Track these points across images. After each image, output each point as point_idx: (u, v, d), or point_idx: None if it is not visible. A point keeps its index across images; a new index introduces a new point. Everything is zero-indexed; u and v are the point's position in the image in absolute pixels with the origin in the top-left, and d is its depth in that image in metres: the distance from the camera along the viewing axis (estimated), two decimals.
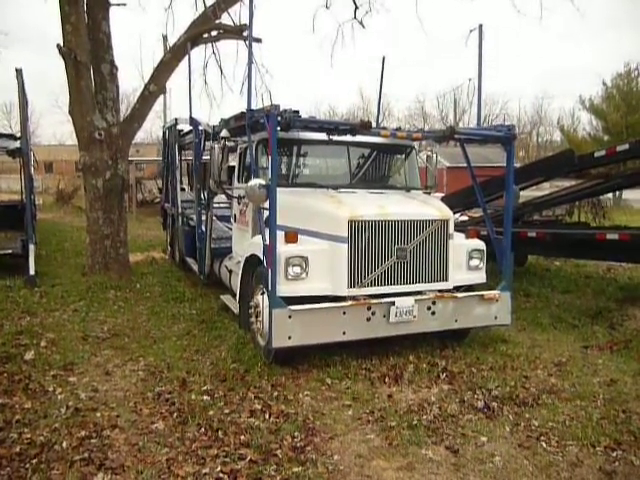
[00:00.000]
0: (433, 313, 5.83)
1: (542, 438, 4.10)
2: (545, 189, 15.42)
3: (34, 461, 3.65)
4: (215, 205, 8.89)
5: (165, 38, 14.48)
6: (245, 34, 9.92)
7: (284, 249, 5.38)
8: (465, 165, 6.94)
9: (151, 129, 51.10)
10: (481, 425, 4.33)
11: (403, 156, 7.38)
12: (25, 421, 4.28)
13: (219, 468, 3.61)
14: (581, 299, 8.58)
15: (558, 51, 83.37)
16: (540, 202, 10.86)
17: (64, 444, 3.90)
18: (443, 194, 12.30)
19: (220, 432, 4.14)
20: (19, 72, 9.45)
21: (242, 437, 4.06)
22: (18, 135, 11.63)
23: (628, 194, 34.21)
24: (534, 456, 3.86)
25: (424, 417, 4.42)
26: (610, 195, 29.71)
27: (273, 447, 3.92)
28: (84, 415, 4.43)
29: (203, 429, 4.20)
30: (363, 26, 12.40)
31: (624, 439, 4.07)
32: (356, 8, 11.99)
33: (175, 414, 4.46)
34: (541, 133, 64.25)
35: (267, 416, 4.45)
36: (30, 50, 73.31)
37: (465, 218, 11.93)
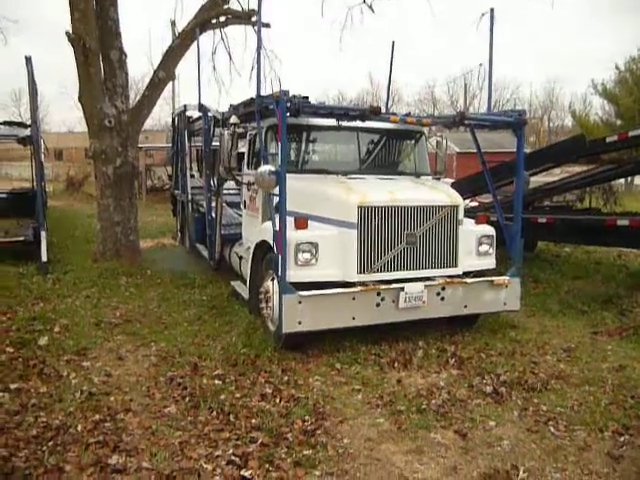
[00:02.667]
0: (442, 299, 5.85)
1: (550, 423, 4.13)
2: (556, 175, 15.32)
3: (50, 444, 3.73)
4: (225, 191, 8.92)
5: (173, 24, 14.44)
6: (254, 19, 9.89)
7: (294, 235, 5.41)
8: (475, 151, 6.92)
9: (160, 115, 51.12)
10: (490, 410, 4.36)
11: (413, 142, 7.36)
12: (41, 405, 4.35)
13: (231, 451, 3.68)
14: (591, 285, 8.55)
15: (570, 35, 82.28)
16: (551, 188, 10.80)
17: (79, 427, 3.97)
18: (453, 180, 12.27)
19: (231, 416, 4.20)
20: (28, 60, 9.46)
21: (253, 421, 4.12)
22: (28, 123, 11.70)
23: (639, 180, 33.95)
24: (542, 440, 3.89)
25: (433, 402, 4.46)
26: (622, 181, 29.53)
27: (284, 430, 3.97)
28: (98, 399, 4.50)
29: (215, 413, 4.26)
30: (373, 10, 12.25)
31: (632, 424, 4.09)
32: None
33: (187, 398, 4.53)
34: (552, 118, 63.67)
35: (278, 400, 4.50)
36: (39, 38, 73.25)
37: (475, 204, 11.89)
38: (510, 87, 60.22)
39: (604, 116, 38.78)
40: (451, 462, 3.61)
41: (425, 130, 7.41)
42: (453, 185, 10.81)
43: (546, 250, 11.82)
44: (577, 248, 11.79)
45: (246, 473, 3.41)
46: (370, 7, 12.21)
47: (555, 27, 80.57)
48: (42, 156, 10.74)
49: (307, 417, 4.20)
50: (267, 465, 3.52)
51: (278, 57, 11.56)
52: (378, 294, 5.52)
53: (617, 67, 36.88)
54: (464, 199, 9.94)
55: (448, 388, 4.75)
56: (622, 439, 3.88)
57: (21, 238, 9.82)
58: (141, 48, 13.01)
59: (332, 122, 6.19)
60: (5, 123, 12.91)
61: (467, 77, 51.47)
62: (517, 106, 55.70)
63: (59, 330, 6.24)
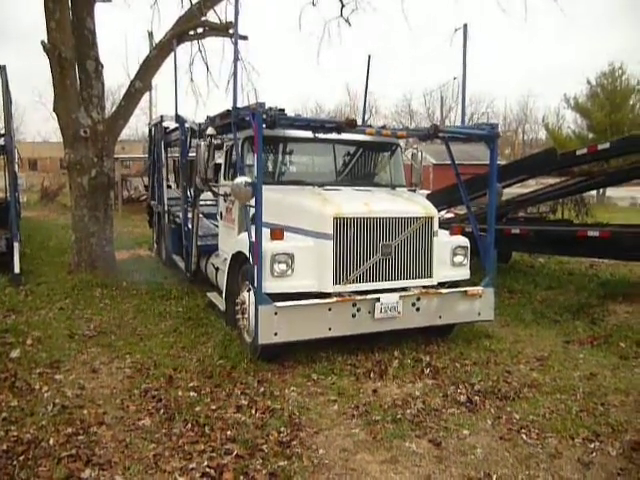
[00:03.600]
0: (418, 309, 5.91)
1: (523, 431, 4.19)
2: (531, 186, 15.59)
3: (21, 458, 3.67)
4: (201, 203, 8.90)
5: (151, 34, 14.43)
6: (231, 32, 9.93)
7: (270, 246, 5.43)
8: (461, 162, 7.02)
9: (137, 125, 50.82)
10: (464, 418, 4.41)
11: (388, 154, 7.44)
12: (12, 419, 4.28)
13: (206, 463, 3.66)
14: (563, 295, 8.69)
15: (544, 50, 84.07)
16: (524, 199, 11.01)
17: (51, 441, 3.92)
18: (429, 191, 12.42)
19: (207, 428, 4.18)
20: (3, 69, 9.37)
21: (228, 432, 4.11)
22: (2, 132, 11.53)
23: (611, 192, 34.71)
24: (514, 448, 3.95)
25: (408, 411, 4.50)
26: (594, 193, 30.17)
27: (259, 442, 3.97)
28: (71, 412, 4.44)
29: (190, 425, 4.23)
30: (349, 24, 12.43)
31: (602, 431, 4.18)
32: (342, 6, 12.01)
33: (162, 410, 4.49)
34: (527, 131, 64.93)
35: (253, 411, 4.49)
36: (14, 47, 72.40)
37: (451, 215, 12.05)
38: (485, 100, 61.26)
39: (577, 129, 39.71)
40: (425, 471, 3.64)
41: (401, 142, 7.51)
42: (429, 197, 10.96)
43: (520, 261, 12.00)
44: (550, 259, 11.98)
45: None
46: (347, 21, 12.41)
47: (530, 42, 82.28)
48: (16, 166, 10.57)
49: (283, 428, 4.19)
50: (242, 477, 3.51)
51: (255, 69, 11.67)
52: (354, 305, 5.55)
53: (589, 82, 37.97)
54: (440, 210, 10.07)
55: (423, 398, 4.79)
56: (592, 446, 3.96)
57: None
58: (117, 58, 12.93)
59: (308, 134, 6.24)
60: None
61: (443, 90, 52.28)
62: (491, 119, 56.75)
63: (31, 342, 6.15)
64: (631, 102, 36.99)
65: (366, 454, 3.86)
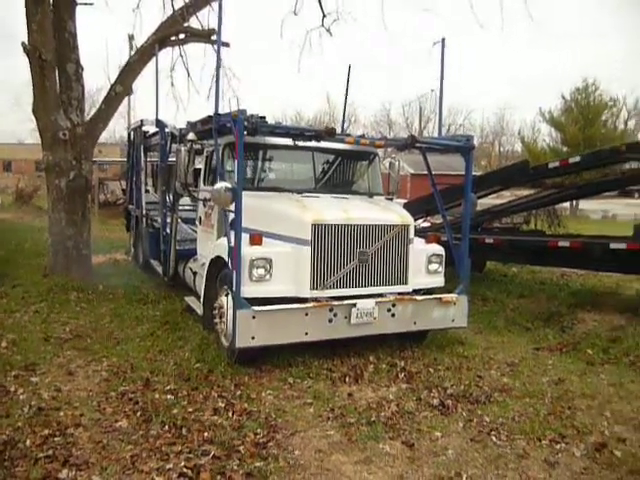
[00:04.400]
0: (393, 315, 6.02)
1: (493, 433, 4.33)
2: (505, 197, 15.91)
3: None
4: (179, 207, 8.92)
5: (131, 37, 14.43)
6: (213, 38, 10.00)
7: (249, 251, 5.50)
8: (437, 172, 7.18)
9: (115, 129, 50.41)
10: (436, 421, 4.53)
11: (366, 162, 7.58)
12: None
13: (183, 464, 3.71)
14: (535, 304, 8.90)
15: (523, 63, 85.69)
16: (498, 210, 11.26)
17: (27, 442, 3.93)
18: (406, 200, 12.60)
19: (184, 429, 4.22)
20: None
21: (205, 434, 4.16)
22: None
23: (584, 204, 35.49)
24: (484, 449, 4.08)
25: (382, 414, 4.60)
26: (567, 205, 30.83)
27: (236, 443, 4.03)
28: (47, 414, 4.44)
29: (167, 427, 4.27)
30: (330, 34, 12.57)
31: (568, 433, 4.33)
32: (324, 16, 12.16)
33: (139, 413, 4.52)
34: (503, 143, 66.07)
35: (230, 414, 4.55)
36: None
37: (427, 224, 12.24)
38: (463, 112, 62.27)
39: (551, 143, 40.52)
40: (398, 471, 3.74)
41: (379, 152, 7.65)
42: (406, 205, 11.12)
43: (494, 270, 12.24)
44: (523, 268, 12.25)
45: None
46: (328, 30, 12.55)
47: (509, 55, 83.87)
48: None
49: (259, 430, 4.26)
50: (219, 477, 3.58)
51: (236, 75, 11.72)
52: (330, 310, 5.64)
53: (563, 97, 38.83)
54: (416, 219, 10.25)
55: (397, 401, 4.90)
56: (558, 447, 4.11)
57: None
58: (97, 60, 12.86)
59: (288, 141, 6.33)
60: None
61: (422, 101, 52.96)
62: (469, 131, 57.69)
63: (6, 345, 6.12)
64: (603, 117, 37.95)
65: (341, 455, 3.95)
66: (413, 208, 10.08)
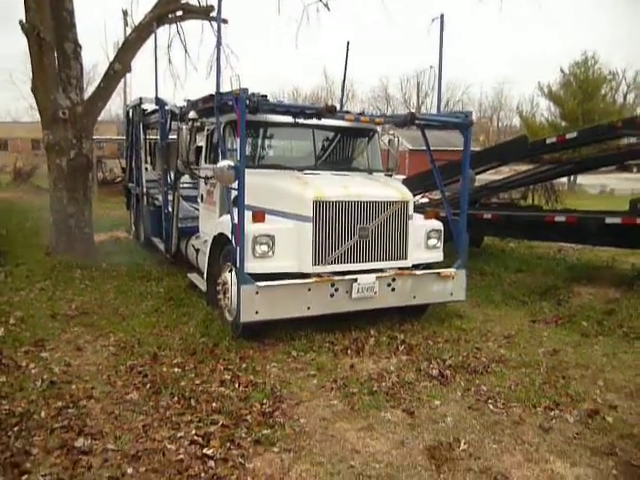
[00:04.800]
0: (393, 289, 6.15)
1: (490, 401, 4.49)
2: (504, 173, 15.97)
3: (15, 429, 3.82)
4: (180, 185, 8.99)
5: (125, 13, 14.36)
6: (213, 15, 9.96)
7: (252, 228, 5.60)
8: (436, 148, 7.24)
9: (111, 107, 49.98)
10: (435, 390, 4.69)
11: (366, 139, 7.64)
12: (1, 394, 4.40)
13: (193, 432, 3.86)
14: (531, 278, 9.06)
15: (523, 37, 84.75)
16: (496, 186, 11.34)
17: (42, 414, 4.07)
18: (405, 176, 12.66)
19: (192, 400, 4.38)
20: None
21: (213, 404, 4.31)
22: None
23: (582, 179, 35.52)
24: (482, 416, 4.25)
25: (383, 384, 4.76)
26: (565, 180, 30.87)
27: (243, 413, 4.19)
28: (59, 387, 4.59)
29: (176, 398, 4.42)
30: (328, 8, 12.50)
31: (562, 400, 4.50)
32: None
33: (148, 385, 4.67)
34: (501, 118, 65.80)
35: (237, 385, 4.70)
36: None
37: (426, 200, 12.33)
38: (461, 87, 61.85)
39: (550, 117, 40.35)
40: (399, 437, 3.91)
41: (378, 128, 7.70)
42: (404, 181, 11.18)
43: (492, 245, 12.36)
44: (521, 243, 12.38)
45: (208, 451, 3.61)
46: (326, 5, 12.47)
47: (510, 28, 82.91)
48: None
49: (265, 400, 4.42)
50: (228, 444, 3.73)
51: (234, 52, 11.71)
52: (332, 285, 5.77)
53: (562, 70, 38.56)
54: (415, 195, 10.33)
55: (397, 372, 5.06)
56: (552, 414, 4.28)
57: None
58: (93, 36, 12.80)
59: (288, 119, 6.38)
60: None
61: (420, 76, 52.53)
62: (467, 106, 57.47)
63: (14, 322, 6.23)
64: (602, 92, 37.78)
65: (344, 423, 4.11)
66: (412, 184, 10.15)
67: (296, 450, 3.70)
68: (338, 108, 6.47)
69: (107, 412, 4.18)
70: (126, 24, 15.15)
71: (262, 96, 5.49)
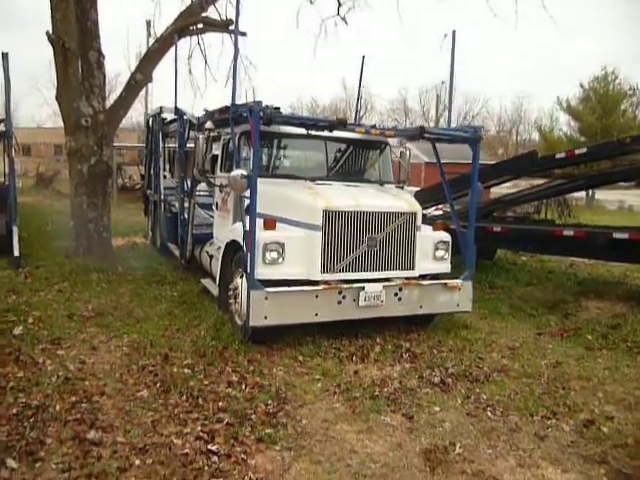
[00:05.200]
0: (400, 299, 6.28)
1: (488, 408, 4.61)
2: (522, 187, 16.01)
3: (31, 420, 4.03)
4: (197, 193, 9.22)
5: (149, 24, 14.78)
6: (231, 28, 10.23)
7: (262, 235, 5.78)
8: (444, 161, 7.37)
9: (132, 115, 50.75)
10: (436, 397, 4.82)
11: (378, 151, 7.81)
12: (19, 387, 4.62)
13: (199, 428, 4.04)
14: (541, 291, 9.08)
15: (541, 50, 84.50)
16: (509, 199, 11.43)
17: (57, 407, 4.27)
18: (418, 188, 12.79)
19: (200, 399, 4.55)
20: (5, 56, 9.63)
21: (220, 404, 4.48)
22: (1, 118, 11.78)
23: (600, 195, 35.31)
24: (479, 423, 4.36)
25: (385, 390, 4.89)
26: (583, 195, 30.75)
27: (248, 412, 4.35)
28: (74, 383, 4.79)
29: (184, 397, 4.60)
30: (346, 22, 12.74)
31: (559, 410, 4.60)
32: (339, 5, 12.35)
33: (158, 384, 4.85)
34: (520, 132, 65.50)
35: (243, 387, 4.87)
36: (10, 33, 71.89)
37: (439, 212, 12.44)
38: (480, 100, 61.80)
39: (570, 132, 40.15)
40: (397, 440, 4.04)
41: (390, 141, 7.87)
42: (417, 193, 11.34)
43: (504, 259, 12.40)
44: (533, 257, 12.42)
45: (213, 447, 3.78)
46: (343, 19, 12.73)
47: (529, 42, 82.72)
48: (13, 152, 10.84)
49: (270, 401, 4.58)
50: (232, 441, 3.89)
51: (253, 63, 11.99)
52: (340, 292, 5.92)
53: (581, 85, 38.42)
54: (428, 207, 10.47)
55: (400, 379, 5.19)
56: (549, 422, 4.38)
57: None
58: (116, 46, 13.22)
59: (302, 131, 6.57)
60: None
61: (438, 89, 52.65)
62: (486, 119, 57.49)
63: (33, 321, 6.46)
64: (622, 107, 37.57)
65: (345, 425, 4.25)
66: (425, 196, 10.33)
67: (297, 449, 3.85)
68: (353, 121, 6.64)
69: (118, 408, 4.37)
70: (149, 35, 15.62)
71: (275, 108, 5.69)
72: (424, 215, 10.15)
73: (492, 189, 15.19)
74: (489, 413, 4.52)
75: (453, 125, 7.79)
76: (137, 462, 3.56)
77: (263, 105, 5.61)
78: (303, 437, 4.03)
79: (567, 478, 3.58)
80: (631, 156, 8.49)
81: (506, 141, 63.22)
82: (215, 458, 3.65)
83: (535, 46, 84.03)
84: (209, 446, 3.78)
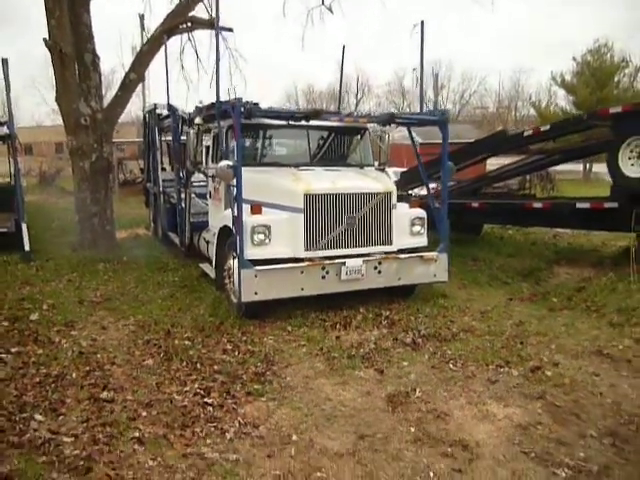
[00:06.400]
0: (379, 272, 6.88)
1: (451, 361, 5.24)
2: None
3: (52, 386, 4.68)
4: (195, 184, 9.81)
5: (142, 18, 15.28)
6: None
7: (250, 219, 6.39)
8: (435, 141, 7.86)
9: (130, 109, 51.12)
10: (406, 355, 5.45)
11: (358, 137, 8.36)
12: (40, 362, 5.26)
13: (197, 386, 4.68)
14: (520, 262, 9.68)
15: (542, 25, 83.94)
16: (492, 176, 11.97)
17: (74, 375, 4.93)
18: (405, 169, 13.32)
19: (198, 364, 5.19)
20: (5, 62, 10.17)
21: (215, 367, 5.12)
22: (2, 120, 12.35)
23: (599, 167, 35.54)
24: (440, 373, 4.99)
25: (361, 350, 5.52)
26: (580, 168, 31.08)
27: (240, 373, 4.99)
28: (87, 357, 5.44)
29: (185, 363, 5.23)
30: (332, 12, 13.17)
31: (513, 360, 5.22)
32: None
33: (162, 354, 5.49)
34: (519, 108, 65.43)
35: (236, 353, 5.51)
36: (6, 32, 72.19)
37: (424, 192, 12.97)
38: (477, 78, 61.90)
39: (568, 106, 40.21)
40: (367, 389, 4.68)
41: (369, 126, 8.41)
42: (404, 174, 11.90)
43: (491, 233, 12.96)
44: (519, 231, 12.94)
45: (208, 400, 4.42)
46: (329, 9, 13.16)
47: (523, 16, 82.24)
48: (17, 152, 11.41)
49: (259, 364, 5.22)
50: (225, 395, 4.54)
51: (243, 56, 12.50)
52: (323, 268, 6.53)
53: (574, 59, 38.45)
54: (415, 187, 11.00)
55: (376, 341, 5.81)
56: (501, 370, 5.01)
57: (4, 229, 10.58)
58: (110, 43, 13.69)
59: (284, 122, 7.15)
60: None
61: (435, 68, 52.81)
62: (484, 97, 57.81)
63: (47, 308, 7.07)
64: (616, 79, 37.66)
65: (323, 379, 4.90)
66: (411, 176, 10.87)
67: (280, 399, 4.50)
68: (338, 108, 7.14)
69: (127, 374, 5.02)
70: (142, 29, 16.04)
71: (254, 104, 6.27)
72: (410, 194, 10.76)
73: (488, 164, 15.73)
74: (451, 365, 5.14)
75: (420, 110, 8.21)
76: (144, 413, 4.21)
77: (243, 101, 6.18)
78: (286, 390, 4.68)
79: (507, 411, 4.21)
80: (598, 130, 8.99)
81: (505, 118, 63.21)
82: (210, 408, 4.29)
83: (534, 19, 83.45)
84: (205, 399, 4.43)
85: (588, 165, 36.62)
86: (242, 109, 6.16)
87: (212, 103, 7.04)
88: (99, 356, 5.46)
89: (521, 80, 67.51)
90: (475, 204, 9.80)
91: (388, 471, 3.44)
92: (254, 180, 6.71)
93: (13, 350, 5.58)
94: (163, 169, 12.22)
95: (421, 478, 3.37)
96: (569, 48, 75.07)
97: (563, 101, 41.36)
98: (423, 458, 3.58)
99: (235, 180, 6.28)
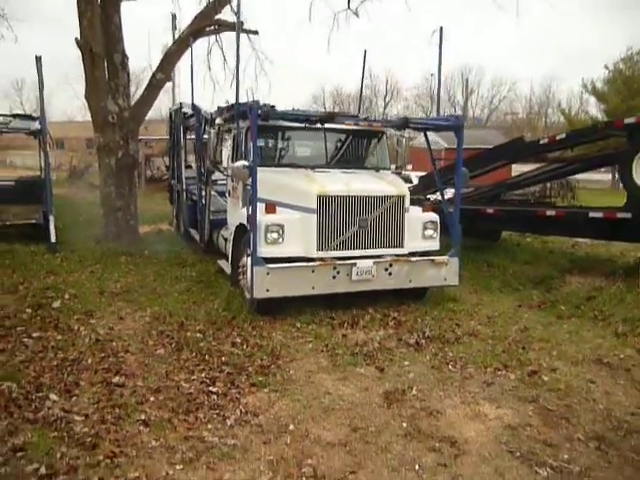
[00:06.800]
0: (390, 274, 7.02)
1: (450, 363, 5.36)
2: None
3: (68, 369, 4.96)
4: (218, 182, 10.06)
5: (174, 17, 15.70)
6: (245, 28, 11.03)
7: (264, 218, 6.59)
8: (465, 147, 7.89)
9: (159, 106, 51.97)
10: (408, 355, 5.59)
11: (375, 140, 8.51)
12: (58, 347, 5.55)
13: (204, 375, 4.91)
14: (534, 269, 9.70)
15: (571, 33, 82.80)
16: (510, 183, 11.99)
17: (89, 360, 5.20)
18: (424, 173, 13.40)
19: (207, 356, 5.42)
20: (39, 60, 10.57)
21: (223, 359, 5.34)
22: (35, 115, 12.80)
23: None
24: (439, 373, 5.12)
25: (365, 349, 5.68)
26: (609, 178, 30.61)
27: (246, 365, 5.20)
28: (103, 344, 5.71)
29: (194, 354, 5.47)
30: (357, 16, 13.35)
31: (512, 364, 5.32)
32: None
33: (173, 344, 5.73)
34: (550, 114, 64.67)
35: (245, 347, 5.71)
36: (39, 27, 73.96)
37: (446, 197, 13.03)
38: (507, 84, 61.46)
39: (599, 114, 39.65)
40: (366, 385, 4.84)
41: (387, 130, 8.55)
42: (422, 178, 12.00)
43: (509, 240, 12.97)
44: (537, 239, 12.93)
45: (213, 389, 4.65)
46: (355, 13, 13.35)
47: (556, 24, 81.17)
48: (48, 146, 11.83)
49: (265, 357, 5.42)
50: (229, 385, 4.75)
51: (268, 58, 12.79)
52: (334, 268, 6.69)
53: (606, 67, 37.93)
54: (433, 192, 11.08)
55: (381, 340, 5.96)
56: (499, 373, 5.12)
57: (33, 220, 11.01)
58: (140, 42, 14.06)
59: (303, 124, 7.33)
60: (15, 116, 14.01)
61: (465, 72, 52.57)
62: (513, 102, 57.40)
63: (69, 297, 7.40)
64: None
65: (325, 374, 5.07)
66: (429, 181, 10.97)
67: (282, 391, 4.70)
68: (358, 111, 7.29)
69: (139, 361, 5.27)
70: (174, 27, 16.47)
71: (271, 106, 6.47)
72: (427, 199, 10.85)
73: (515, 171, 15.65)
74: (450, 366, 5.27)
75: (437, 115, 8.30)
76: (152, 398, 4.45)
77: (261, 104, 6.40)
78: (288, 383, 4.87)
79: (498, 412, 4.33)
80: (616, 140, 8.98)
81: (535, 124, 62.52)
82: (214, 397, 4.51)
83: (568, 26, 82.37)
84: (210, 388, 4.65)
85: (617, 175, 35.92)
86: (259, 111, 6.36)
87: (232, 104, 7.27)
88: (114, 344, 5.72)
89: (552, 86, 66.84)
90: (490, 210, 9.85)
91: (376, 461, 3.61)
92: (269, 180, 6.91)
93: (34, 335, 5.90)
94: (189, 167, 12.54)
95: (407, 470, 3.52)
96: (603, 55, 73.93)
97: (594, 109, 40.86)
98: (411, 451, 3.74)
99: (250, 180, 6.49)
